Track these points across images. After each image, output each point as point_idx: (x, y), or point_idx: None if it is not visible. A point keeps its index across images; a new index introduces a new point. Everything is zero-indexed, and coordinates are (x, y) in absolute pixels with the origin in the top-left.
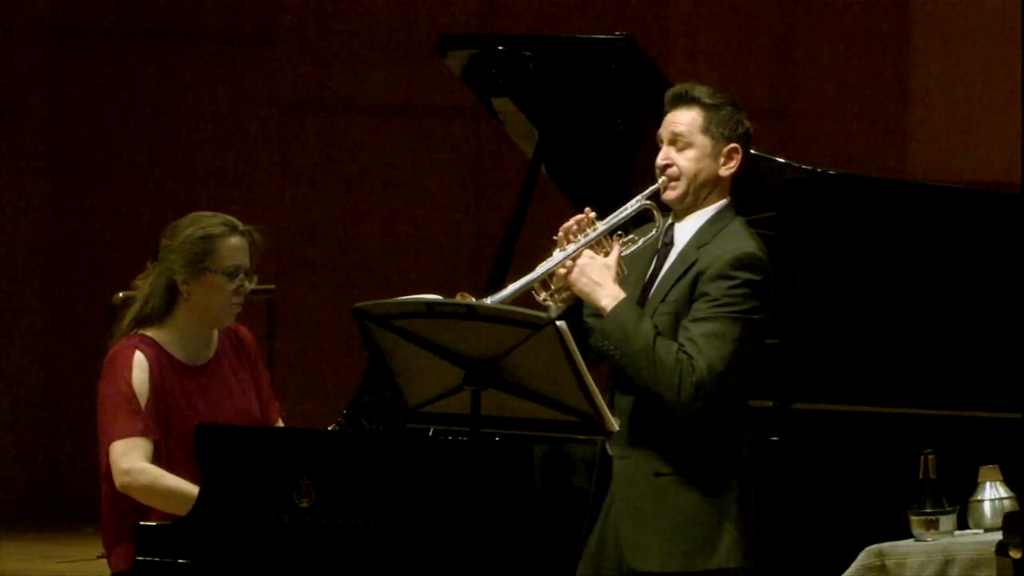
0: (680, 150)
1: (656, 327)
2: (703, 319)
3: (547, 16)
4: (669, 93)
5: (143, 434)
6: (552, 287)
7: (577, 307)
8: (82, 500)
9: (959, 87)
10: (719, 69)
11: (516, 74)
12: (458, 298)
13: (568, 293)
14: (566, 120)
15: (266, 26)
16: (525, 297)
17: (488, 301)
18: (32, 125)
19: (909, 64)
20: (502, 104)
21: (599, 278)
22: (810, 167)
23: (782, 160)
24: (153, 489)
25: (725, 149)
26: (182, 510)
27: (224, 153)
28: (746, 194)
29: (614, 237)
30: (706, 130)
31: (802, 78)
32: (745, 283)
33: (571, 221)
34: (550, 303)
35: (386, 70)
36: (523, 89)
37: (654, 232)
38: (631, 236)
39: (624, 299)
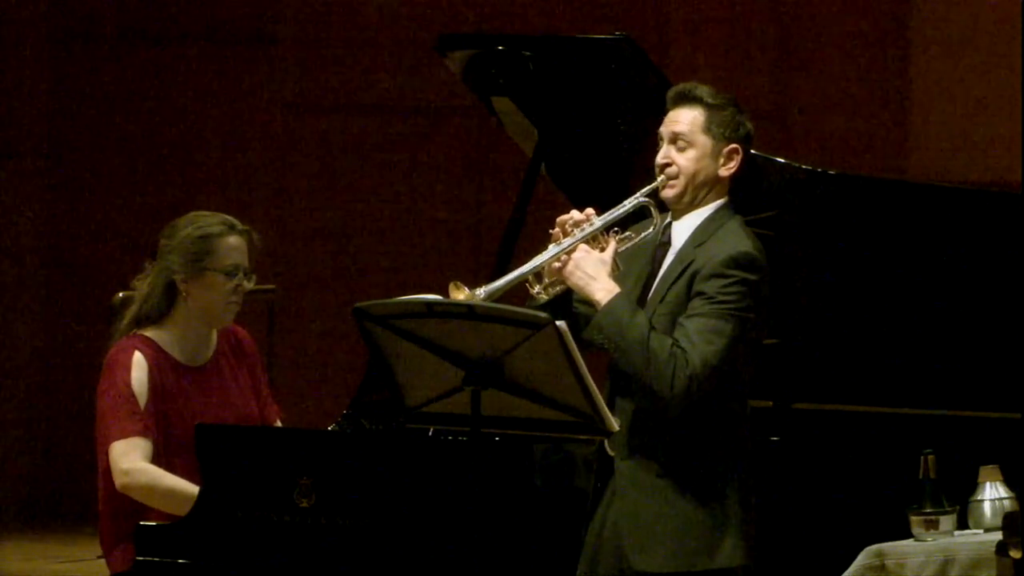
0: (680, 149)
1: (650, 322)
2: (698, 315)
3: (547, 16)
4: (672, 91)
5: (142, 434)
6: (546, 280)
7: (565, 295)
8: (82, 500)
9: (959, 87)
10: (719, 69)
11: (516, 74)
12: (451, 287)
13: (562, 287)
14: (566, 120)
15: (266, 26)
16: (519, 289)
17: (481, 291)
18: (32, 125)
19: (909, 64)
20: (502, 104)
21: (594, 272)
22: (810, 167)
23: (782, 160)
24: (153, 489)
25: (725, 150)
26: (182, 510)
27: (224, 153)
28: (746, 194)
29: (610, 233)
30: (707, 130)
31: (802, 78)
32: (741, 282)
33: (568, 215)
34: (543, 295)
35: (386, 70)
36: (523, 89)
37: (651, 229)
38: (627, 233)
39: (619, 293)
